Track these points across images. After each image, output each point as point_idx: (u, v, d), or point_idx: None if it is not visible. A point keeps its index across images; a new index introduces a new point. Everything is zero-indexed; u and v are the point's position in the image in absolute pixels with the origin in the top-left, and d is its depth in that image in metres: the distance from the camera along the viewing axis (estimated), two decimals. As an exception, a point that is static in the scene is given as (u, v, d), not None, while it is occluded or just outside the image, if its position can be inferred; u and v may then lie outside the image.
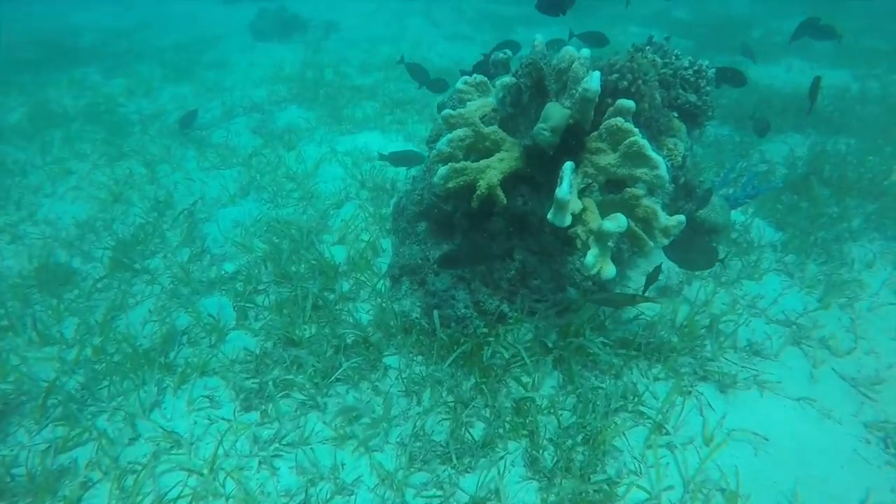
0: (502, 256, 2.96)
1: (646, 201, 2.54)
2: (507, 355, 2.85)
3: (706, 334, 3.00)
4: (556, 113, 2.38)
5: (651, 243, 2.64)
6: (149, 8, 11.73)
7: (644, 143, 2.27)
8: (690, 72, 3.54)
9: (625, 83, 2.88)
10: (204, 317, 3.30)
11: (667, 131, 3.34)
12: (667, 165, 2.27)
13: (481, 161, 2.62)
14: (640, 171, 2.33)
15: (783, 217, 4.25)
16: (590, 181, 2.53)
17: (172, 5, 12.60)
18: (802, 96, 6.84)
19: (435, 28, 10.53)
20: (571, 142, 2.47)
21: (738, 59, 8.35)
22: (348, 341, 3.13)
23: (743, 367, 2.86)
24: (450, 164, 2.52)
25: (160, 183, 4.91)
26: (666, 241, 2.64)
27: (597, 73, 2.27)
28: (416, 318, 3.25)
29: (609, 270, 2.30)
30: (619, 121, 2.36)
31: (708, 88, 3.59)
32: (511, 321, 3.06)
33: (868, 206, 4.42)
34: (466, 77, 2.85)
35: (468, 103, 2.78)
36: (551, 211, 2.31)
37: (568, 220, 2.32)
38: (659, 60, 3.44)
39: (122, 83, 7.30)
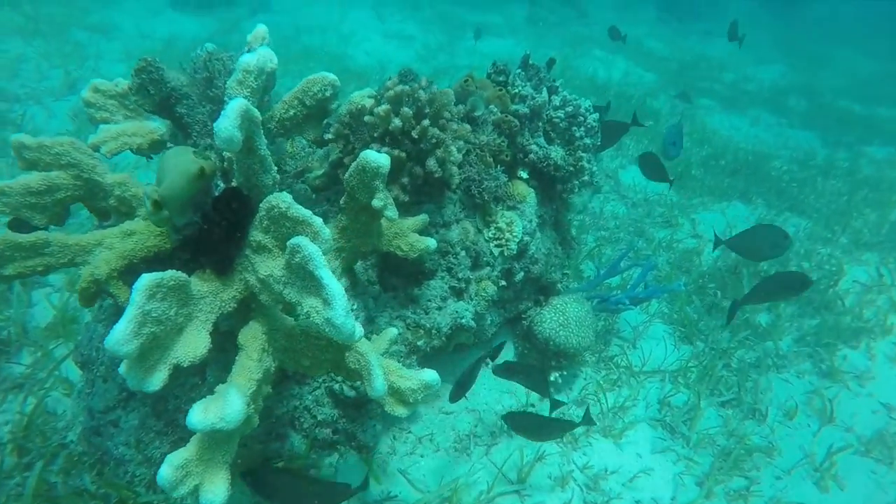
0: None
1: (362, 345, 1.37)
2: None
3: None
4: (173, 168, 1.20)
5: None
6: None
7: (312, 252, 1.10)
8: (561, 114, 2.40)
9: (397, 123, 1.71)
10: None
11: (502, 200, 2.18)
12: (347, 305, 1.11)
13: (88, 234, 1.42)
14: (308, 304, 1.16)
15: (696, 322, 3.14)
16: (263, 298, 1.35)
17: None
18: (762, 156, 5.81)
19: (378, 23, 9.32)
20: (223, 222, 1.29)
21: (703, 103, 7.34)
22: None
23: None
24: (2, 237, 1.32)
25: None
26: (404, 411, 1.47)
27: (231, 84, 1.10)
28: (72, 441, 2.07)
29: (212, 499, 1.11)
30: (281, 201, 1.19)
31: (586, 142, 2.45)
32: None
33: (806, 320, 3.33)
34: (99, 82, 1.65)
35: (102, 127, 1.58)
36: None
37: (154, 386, 1.14)
38: (507, 92, 2.29)
39: (-54, 29, 5.95)
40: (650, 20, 12.61)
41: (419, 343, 1.97)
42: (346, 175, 1.54)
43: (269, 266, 1.26)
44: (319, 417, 1.87)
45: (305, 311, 1.17)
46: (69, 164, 1.41)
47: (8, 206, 1.35)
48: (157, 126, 1.64)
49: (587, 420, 1.92)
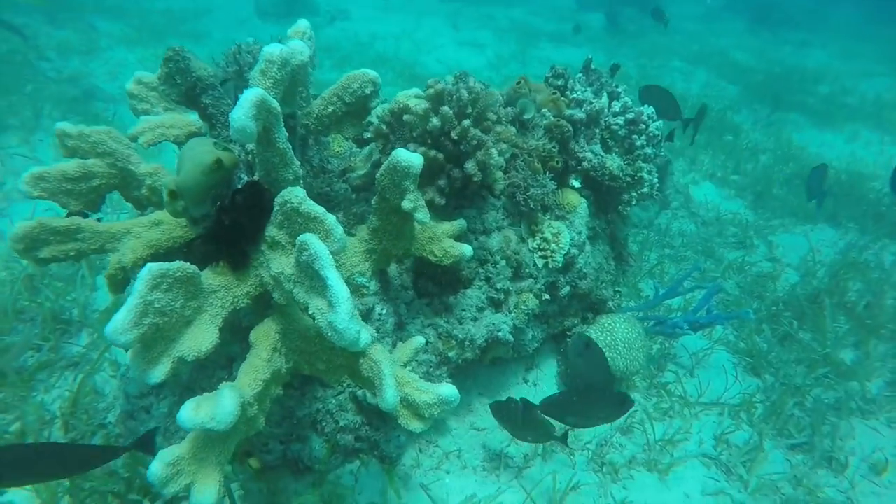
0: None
1: (376, 353, 1.30)
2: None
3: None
4: (189, 159, 1.18)
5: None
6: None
7: (319, 251, 1.04)
8: (620, 120, 2.25)
9: (436, 122, 1.64)
10: None
11: (549, 208, 2.06)
12: (352, 309, 1.04)
13: (118, 222, 1.45)
14: (314, 305, 1.11)
15: (766, 353, 2.85)
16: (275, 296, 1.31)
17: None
18: (858, 175, 5.28)
19: (452, 31, 9.36)
20: (238, 216, 1.26)
21: (792, 117, 6.79)
22: None
23: None
24: (38, 220, 1.37)
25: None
26: (420, 426, 1.38)
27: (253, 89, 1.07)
28: (111, 423, 2.14)
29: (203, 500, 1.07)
30: (294, 196, 1.14)
31: (647, 151, 2.28)
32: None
33: (901, 361, 2.94)
34: (142, 74, 1.68)
35: (141, 119, 1.61)
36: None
37: (155, 378, 1.12)
38: (566, 97, 2.17)
39: (65, 36, 6.52)
40: (738, 31, 11.91)
41: (450, 354, 1.88)
42: (378, 174, 1.48)
43: (282, 263, 1.21)
44: (342, 423, 1.82)
45: (311, 312, 1.12)
46: (105, 153, 1.45)
47: (46, 190, 1.40)
48: (195, 118, 1.66)
49: (563, 439, 1.88)
